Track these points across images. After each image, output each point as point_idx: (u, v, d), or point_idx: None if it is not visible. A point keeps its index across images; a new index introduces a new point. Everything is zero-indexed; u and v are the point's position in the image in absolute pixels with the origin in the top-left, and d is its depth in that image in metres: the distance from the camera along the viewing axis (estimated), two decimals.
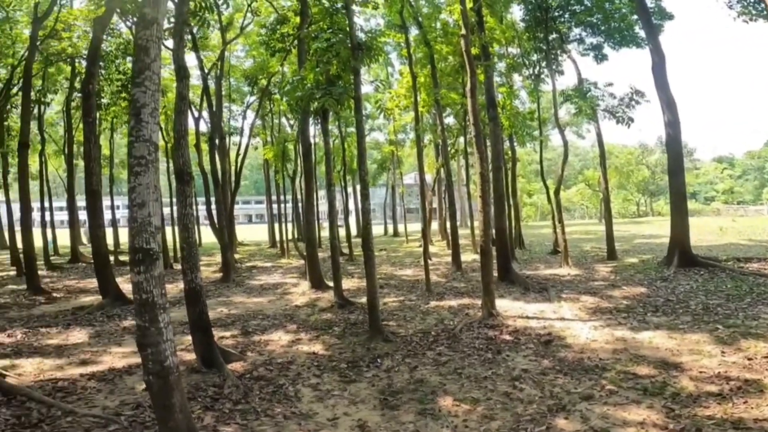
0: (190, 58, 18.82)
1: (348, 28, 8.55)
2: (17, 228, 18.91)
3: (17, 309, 10.78)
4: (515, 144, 21.65)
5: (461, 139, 24.93)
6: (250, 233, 42.40)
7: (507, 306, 9.52)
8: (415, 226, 35.31)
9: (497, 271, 11.95)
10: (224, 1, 9.94)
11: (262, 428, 4.61)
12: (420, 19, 16.81)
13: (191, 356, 6.48)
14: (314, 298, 11.34)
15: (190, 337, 6.68)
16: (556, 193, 16.82)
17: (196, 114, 22.72)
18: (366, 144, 10.87)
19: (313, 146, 14.66)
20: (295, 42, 13.73)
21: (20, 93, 16.05)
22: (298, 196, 25.17)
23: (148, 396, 5.42)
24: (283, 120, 28.56)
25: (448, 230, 18.69)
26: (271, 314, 9.78)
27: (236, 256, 20.68)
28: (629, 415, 4.62)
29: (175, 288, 12.12)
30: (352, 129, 24.57)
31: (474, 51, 11.11)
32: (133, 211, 3.73)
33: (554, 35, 16.43)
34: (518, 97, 20.36)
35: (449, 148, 21.93)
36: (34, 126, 21.55)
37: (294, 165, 24.43)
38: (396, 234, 38.06)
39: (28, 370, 6.27)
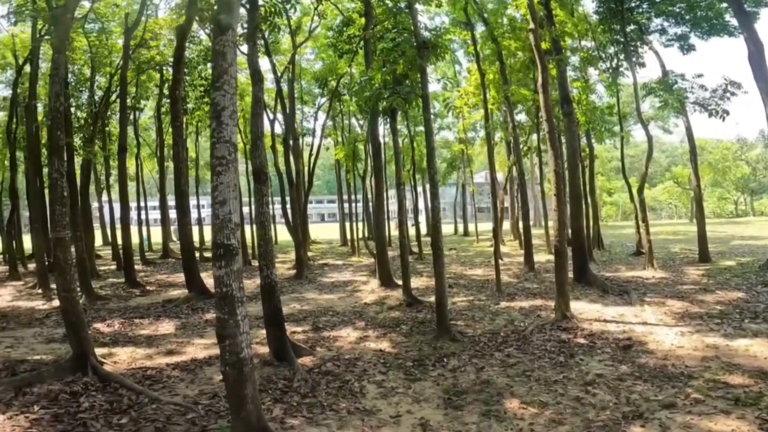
0: (263, 63, 19.54)
1: (412, 27, 8.56)
2: (117, 226, 20.83)
3: (116, 300, 11.82)
4: (593, 140, 20.62)
5: (534, 137, 24.14)
6: (323, 232, 43.61)
7: (583, 308, 9.10)
8: (486, 226, 34.59)
9: (573, 272, 11.45)
10: (292, 5, 10.26)
11: (327, 422, 4.73)
12: (485, 15, 16.44)
13: (264, 349, 6.78)
14: (383, 296, 11.46)
15: (263, 331, 6.99)
16: (640, 191, 15.80)
17: (271, 116, 23.78)
18: (435, 142, 10.83)
19: (382, 146, 14.83)
20: (362, 43, 13.96)
21: (117, 100, 17.55)
22: (369, 196, 25.56)
23: (223, 387, 5.79)
24: (353, 120, 29.10)
25: (521, 230, 18.17)
26: (340, 311, 10.01)
27: (309, 253, 21.37)
28: (716, 425, 4.27)
29: (252, 283, 12.71)
30: (421, 128, 24.51)
31: (544, 45, 10.72)
32: (215, 209, 3.96)
33: (632, 26, 15.40)
34: (595, 91, 19.28)
35: (521, 146, 21.29)
36: (130, 131, 23.43)
37: (364, 165, 24.83)
38: (466, 233, 37.53)
39: (123, 358, 6.86)
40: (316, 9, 18.24)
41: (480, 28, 17.27)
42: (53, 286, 13.81)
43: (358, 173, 25.18)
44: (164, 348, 7.39)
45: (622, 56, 16.63)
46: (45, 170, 14.96)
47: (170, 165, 23.87)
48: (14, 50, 17.49)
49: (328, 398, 5.29)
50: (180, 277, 15.92)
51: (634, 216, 18.52)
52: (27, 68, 16.25)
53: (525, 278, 13.36)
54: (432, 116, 9.51)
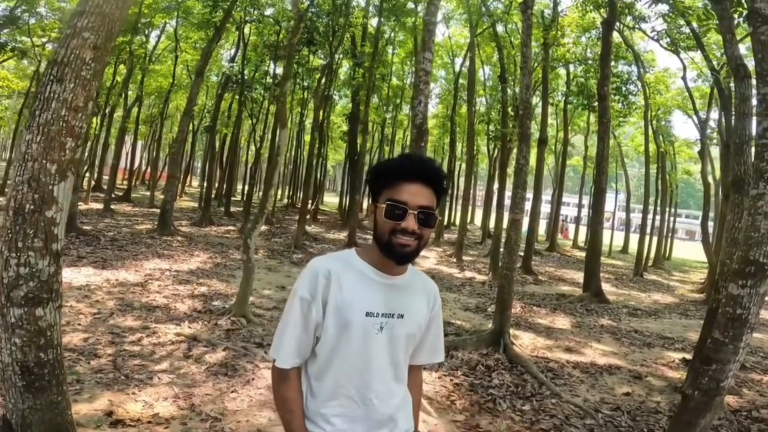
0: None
1: None
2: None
3: (514, 284, 12.76)
4: None
5: None
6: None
7: None
8: None
9: None
10: None
11: None
12: None
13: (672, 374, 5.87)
14: None
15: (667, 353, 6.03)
16: None
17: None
18: None
19: None
20: None
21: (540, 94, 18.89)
22: None
23: (627, 401, 5.25)
24: None
25: None
26: None
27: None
28: None
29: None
30: None
31: None
32: (756, 220, 3.39)
33: None
34: None
35: None
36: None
37: None
38: None
39: (525, 342, 7.21)
40: None
41: None
42: (464, 258, 16.24)
43: None
44: (563, 343, 7.38)
45: None
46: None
47: (578, 161, 24.06)
48: (451, 50, 21.38)
49: None
50: (568, 273, 15.97)
51: None
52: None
53: None
54: None
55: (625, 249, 28.70)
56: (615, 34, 15.92)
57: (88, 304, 6.51)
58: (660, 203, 22.89)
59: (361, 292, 1.50)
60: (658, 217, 23.30)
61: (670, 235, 28.01)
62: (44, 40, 16.74)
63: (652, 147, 21.09)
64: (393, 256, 1.46)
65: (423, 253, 15.05)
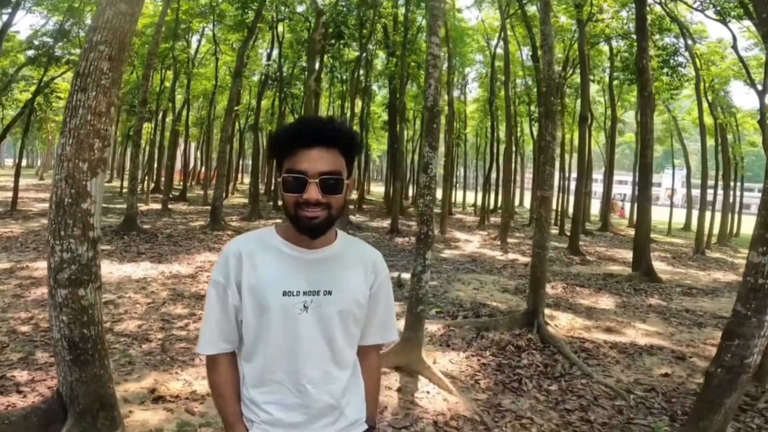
0: None
1: None
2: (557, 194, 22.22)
3: (558, 264, 12.53)
4: None
5: None
6: None
7: None
8: None
9: None
10: None
11: None
12: None
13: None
14: None
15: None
16: None
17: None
18: None
19: None
20: None
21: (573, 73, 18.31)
22: None
23: (664, 382, 5.13)
24: None
25: None
26: None
27: None
28: None
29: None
30: None
31: None
32: None
33: None
34: None
35: None
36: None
37: None
38: None
39: (562, 323, 7.12)
40: None
41: None
42: (509, 240, 16.05)
43: None
44: (603, 324, 7.23)
45: None
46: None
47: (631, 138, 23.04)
48: (485, 33, 21.12)
49: None
50: (619, 253, 15.44)
51: None
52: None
53: None
54: None
55: (687, 227, 27.29)
56: (657, 7, 15.15)
57: (144, 295, 7.04)
58: (723, 177, 21.60)
59: (276, 271, 1.39)
60: (721, 192, 22.00)
61: (738, 210, 26.38)
62: None
63: (708, 120, 19.91)
64: (302, 230, 1.35)
65: (466, 236, 15.11)
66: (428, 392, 4.45)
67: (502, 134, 24.70)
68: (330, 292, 1.40)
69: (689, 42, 17.06)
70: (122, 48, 2.84)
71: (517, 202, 33.44)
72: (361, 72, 19.76)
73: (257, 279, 1.38)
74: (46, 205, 18.12)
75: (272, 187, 24.43)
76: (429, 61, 4.63)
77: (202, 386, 4.17)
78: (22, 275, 7.51)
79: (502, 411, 4.28)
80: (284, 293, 1.37)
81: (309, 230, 1.34)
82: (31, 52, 16.93)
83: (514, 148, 22.12)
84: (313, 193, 1.30)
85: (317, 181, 1.31)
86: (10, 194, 15.69)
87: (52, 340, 2.93)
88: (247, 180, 43.99)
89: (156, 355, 4.85)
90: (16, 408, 3.32)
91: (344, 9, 16.54)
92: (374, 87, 23.97)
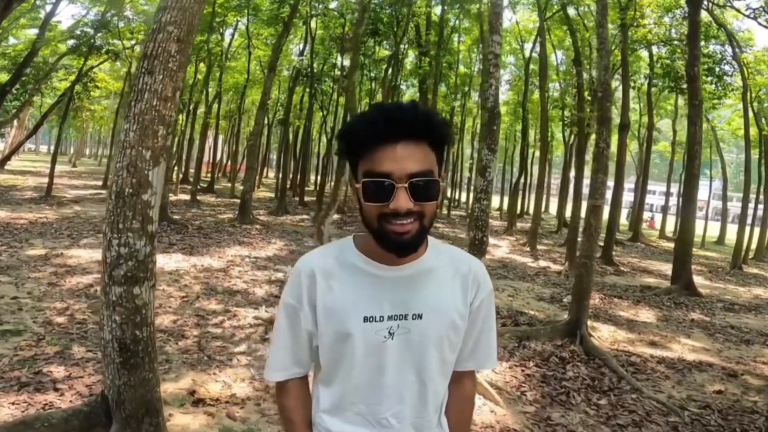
0: None
1: None
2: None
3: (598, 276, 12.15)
4: None
5: None
6: None
7: None
8: None
9: None
10: None
11: None
12: None
13: None
14: None
15: None
16: None
17: None
18: None
19: None
20: None
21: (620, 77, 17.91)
22: None
23: (718, 399, 4.86)
24: None
25: None
26: None
27: None
28: None
29: None
30: None
31: None
32: None
33: None
34: None
35: None
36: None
37: None
38: None
39: (604, 335, 6.87)
40: None
41: None
42: (538, 247, 15.70)
43: None
44: (646, 337, 6.96)
45: None
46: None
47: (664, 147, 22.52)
48: (519, 36, 20.95)
49: None
50: (653, 265, 15.00)
51: None
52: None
53: None
54: None
55: (720, 240, 26.48)
56: (704, 14, 14.65)
57: (178, 288, 7.01)
58: (764, 191, 20.85)
59: (355, 293, 1.18)
60: (761, 206, 21.23)
61: None
62: (132, 42, 18.12)
63: (753, 130, 19.22)
64: (389, 247, 1.11)
65: (494, 241, 14.85)
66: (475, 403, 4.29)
67: (531, 139, 24.30)
68: (420, 316, 1.18)
69: (736, 50, 16.47)
70: (191, 30, 2.72)
71: (542, 208, 32.95)
72: (390, 71, 19.61)
73: (333, 302, 1.18)
74: (80, 192, 18.47)
75: (297, 182, 24.50)
76: (490, 60, 4.46)
77: (242, 389, 4.07)
78: (57, 263, 7.55)
79: (552, 425, 4.10)
80: (365, 319, 1.17)
81: (398, 248, 1.10)
82: (72, 42, 17.22)
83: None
84: (402, 201, 1.05)
85: (406, 185, 1.06)
86: (46, 180, 15.97)
87: (102, 340, 2.78)
88: (271, 174, 44.32)
89: (193, 353, 4.77)
90: (56, 410, 3.19)
91: (378, 7, 16.43)
92: (402, 86, 23.78)
